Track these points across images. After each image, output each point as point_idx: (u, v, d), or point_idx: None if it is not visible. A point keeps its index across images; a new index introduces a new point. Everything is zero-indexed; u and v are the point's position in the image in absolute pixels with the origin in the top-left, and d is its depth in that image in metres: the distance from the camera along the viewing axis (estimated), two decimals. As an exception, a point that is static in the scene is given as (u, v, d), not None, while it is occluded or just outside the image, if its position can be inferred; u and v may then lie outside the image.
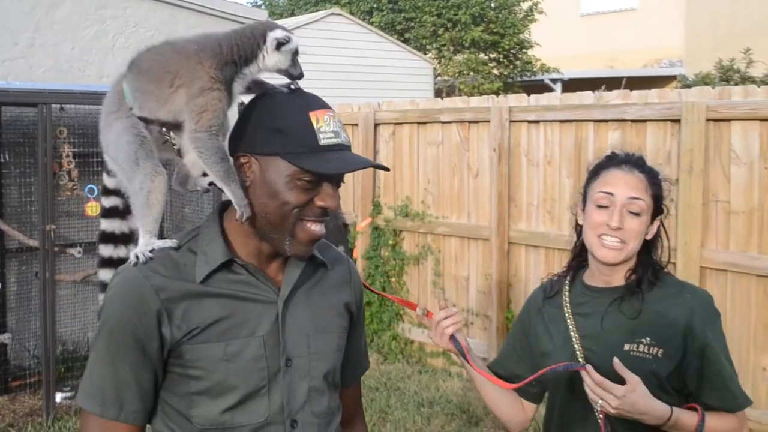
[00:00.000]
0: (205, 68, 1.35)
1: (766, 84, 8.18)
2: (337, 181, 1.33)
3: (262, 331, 1.34)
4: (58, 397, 4.53)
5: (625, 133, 4.37)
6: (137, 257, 1.35)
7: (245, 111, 1.36)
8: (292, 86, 1.37)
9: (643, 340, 1.69)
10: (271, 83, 1.40)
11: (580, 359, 1.73)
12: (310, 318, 1.41)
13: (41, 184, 4.39)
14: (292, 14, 17.61)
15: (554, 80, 14.26)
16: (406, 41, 14.34)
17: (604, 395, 1.56)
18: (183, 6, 5.88)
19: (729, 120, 3.93)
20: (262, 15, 7.46)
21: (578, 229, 1.88)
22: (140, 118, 1.40)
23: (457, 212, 5.42)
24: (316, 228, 1.33)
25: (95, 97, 4.38)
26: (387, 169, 1.45)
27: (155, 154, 1.41)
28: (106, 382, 1.30)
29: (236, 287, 1.34)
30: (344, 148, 1.32)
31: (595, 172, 1.83)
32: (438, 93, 13.28)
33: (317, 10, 14.92)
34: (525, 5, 15.00)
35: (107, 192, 1.51)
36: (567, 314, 1.81)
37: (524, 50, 14.75)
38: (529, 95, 5.11)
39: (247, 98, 1.41)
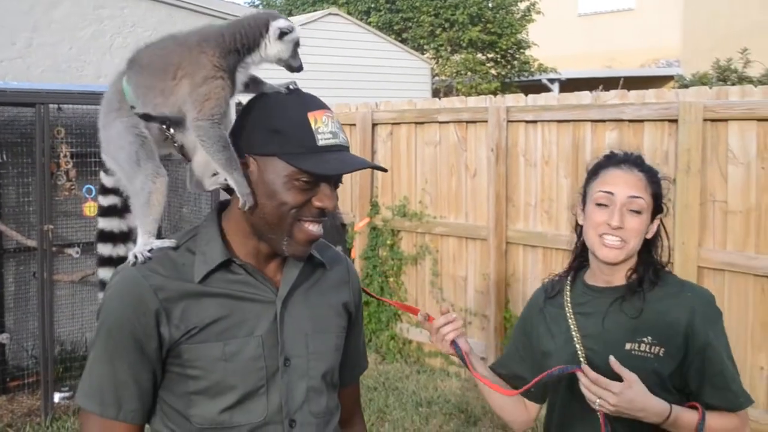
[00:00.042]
0: (209, 56, 1.35)
1: (763, 84, 8.20)
2: (335, 181, 1.33)
3: (260, 330, 1.34)
4: (57, 397, 4.53)
5: (623, 133, 4.37)
6: (136, 257, 1.35)
7: (243, 111, 1.36)
8: (291, 86, 1.36)
9: (645, 339, 1.69)
10: (270, 83, 1.40)
11: (581, 359, 1.73)
12: (309, 318, 1.41)
13: (39, 185, 4.39)
14: (290, 14, 17.59)
15: (552, 80, 14.27)
16: (403, 41, 14.33)
17: (601, 393, 1.56)
18: (181, 6, 5.88)
19: (726, 120, 3.94)
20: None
21: (578, 230, 1.88)
22: (142, 116, 1.39)
23: (455, 212, 5.43)
24: (314, 228, 1.33)
25: (93, 97, 4.38)
26: (385, 170, 1.46)
27: (156, 155, 1.40)
28: (104, 381, 1.31)
29: (235, 287, 1.35)
30: (342, 148, 1.32)
31: (594, 172, 1.83)
32: (435, 93, 13.27)
33: (315, 10, 14.91)
34: (522, 5, 15.01)
35: (105, 191, 1.51)
36: (568, 314, 1.82)
37: (522, 50, 14.76)
38: (526, 95, 5.12)
39: (245, 98, 1.41)
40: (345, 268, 1.55)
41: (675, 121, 4.10)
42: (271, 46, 1.39)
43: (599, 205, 1.76)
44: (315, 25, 11.12)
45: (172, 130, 1.41)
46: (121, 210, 1.51)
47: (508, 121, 4.97)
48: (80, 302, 5.10)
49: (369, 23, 14.51)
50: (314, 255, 1.44)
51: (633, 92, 4.48)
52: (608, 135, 4.44)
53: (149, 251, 1.36)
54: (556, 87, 13.98)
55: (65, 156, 4.60)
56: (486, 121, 5.08)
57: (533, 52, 14.79)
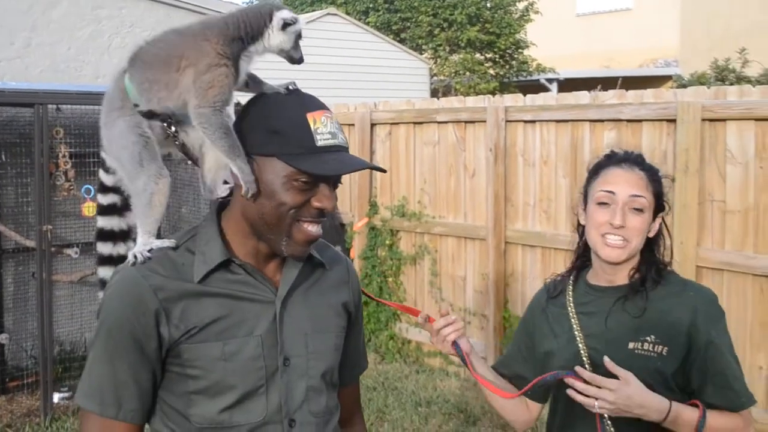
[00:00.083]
0: (212, 44, 1.34)
1: (761, 84, 8.22)
2: (334, 182, 1.33)
3: (260, 330, 1.34)
4: (56, 397, 4.53)
5: (621, 133, 4.38)
6: (135, 257, 1.35)
7: (243, 111, 1.36)
8: (290, 87, 1.36)
9: (648, 338, 1.69)
10: (270, 84, 1.40)
11: (584, 358, 1.73)
12: (308, 318, 1.41)
13: (38, 185, 4.39)
14: (289, 14, 17.56)
15: (550, 80, 14.27)
16: (402, 41, 14.33)
17: (599, 392, 1.56)
18: (179, 6, 5.89)
19: (724, 120, 3.94)
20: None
21: (580, 230, 1.88)
22: (145, 114, 1.38)
23: (454, 212, 5.43)
24: (313, 229, 1.33)
25: (92, 98, 4.38)
26: (384, 171, 1.46)
27: (159, 156, 1.40)
28: (104, 381, 1.31)
29: (234, 287, 1.35)
30: (341, 149, 1.32)
31: (595, 172, 1.83)
32: (434, 93, 13.27)
33: (313, 10, 14.90)
34: (521, 5, 15.02)
35: (105, 189, 1.50)
36: (571, 313, 1.82)
37: (520, 50, 14.77)
38: (525, 95, 5.12)
39: (245, 99, 1.41)
40: (345, 268, 1.55)
41: (673, 121, 4.10)
42: (274, 36, 1.39)
43: (601, 204, 1.75)
44: (313, 25, 11.11)
45: (174, 128, 1.40)
46: (120, 208, 1.50)
47: (507, 121, 4.97)
48: (79, 302, 5.09)
49: (367, 23, 14.50)
50: (314, 255, 1.44)
51: (631, 92, 4.48)
52: (606, 135, 4.45)
53: (149, 251, 1.36)
54: (554, 87, 13.99)
55: (64, 156, 4.60)
56: (484, 121, 5.09)
57: (531, 52, 14.80)
